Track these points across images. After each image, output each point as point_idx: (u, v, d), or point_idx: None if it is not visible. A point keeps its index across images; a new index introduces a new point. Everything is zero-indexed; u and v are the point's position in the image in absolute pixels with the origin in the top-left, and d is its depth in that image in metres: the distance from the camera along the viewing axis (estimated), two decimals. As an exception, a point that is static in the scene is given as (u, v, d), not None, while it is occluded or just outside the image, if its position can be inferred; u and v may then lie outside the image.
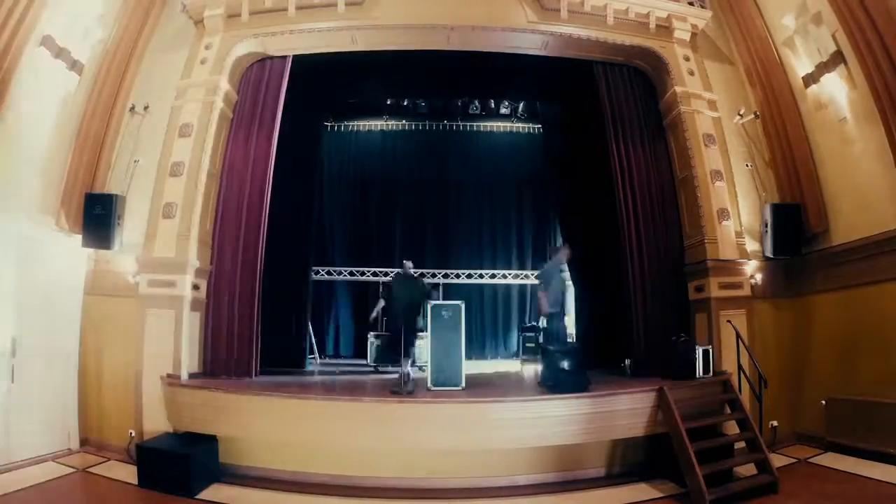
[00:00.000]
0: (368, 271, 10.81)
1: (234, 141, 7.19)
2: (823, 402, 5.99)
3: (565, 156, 9.59)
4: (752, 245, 6.97)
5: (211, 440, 5.52)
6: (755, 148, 7.34)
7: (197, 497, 4.95)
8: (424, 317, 6.32)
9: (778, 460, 5.63)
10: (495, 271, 11.22)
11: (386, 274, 10.66)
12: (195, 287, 6.47)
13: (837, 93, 6.33)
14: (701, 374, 6.03)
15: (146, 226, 6.52)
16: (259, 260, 6.91)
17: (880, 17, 5.44)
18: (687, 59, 7.39)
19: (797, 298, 6.99)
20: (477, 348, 10.63)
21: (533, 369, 8.39)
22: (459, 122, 11.24)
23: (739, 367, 6.16)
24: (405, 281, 6.85)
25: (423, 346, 7.42)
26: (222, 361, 6.59)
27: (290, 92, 7.50)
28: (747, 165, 7.26)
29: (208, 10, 6.99)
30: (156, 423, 5.90)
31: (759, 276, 6.86)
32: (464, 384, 5.92)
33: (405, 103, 10.80)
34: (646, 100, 7.71)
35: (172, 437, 5.73)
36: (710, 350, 6.20)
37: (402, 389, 5.61)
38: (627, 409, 5.41)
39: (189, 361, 6.23)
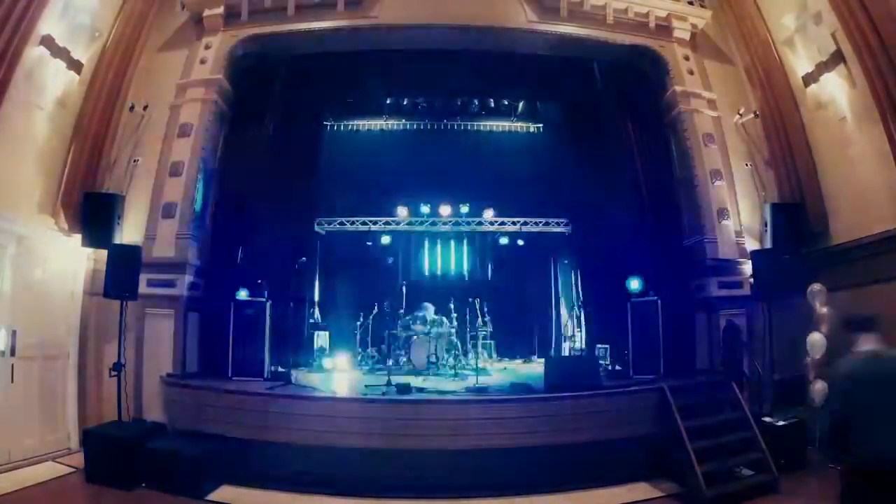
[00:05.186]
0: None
1: (232, 140, 7.20)
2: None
3: (565, 155, 9.58)
4: (751, 244, 6.98)
5: (214, 440, 5.47)
6: (755, 147, 7.33)
7: (196, 497, 4.94)
8: None
9: (778, 459, 5.60)
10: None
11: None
12: (195, 287, 6.47)
13: (837, 92, 6.32)
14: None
15: (146, 226, 6.52)
16: (256, 259, 6.90)
17: (880, 16, 5.42)
18: (687, 58, 7.41)
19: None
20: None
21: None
22: (459, 122, 11.20)
23: (739, 366, 6.15)
24: None
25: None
26: (221, 361, 6.57)
27: (290, 91, 7.52)
28: (747, 165, 7.27)
29: (208, 9, 7.00)
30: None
31: (758, 276, 6.86)
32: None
33: (405, 102, 10.77)
34: (645, 99, 7.71)
35: (174, 436, 5.70)
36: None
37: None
38: (628, 409, 5.42)
39: (188, 361, 6.24)
